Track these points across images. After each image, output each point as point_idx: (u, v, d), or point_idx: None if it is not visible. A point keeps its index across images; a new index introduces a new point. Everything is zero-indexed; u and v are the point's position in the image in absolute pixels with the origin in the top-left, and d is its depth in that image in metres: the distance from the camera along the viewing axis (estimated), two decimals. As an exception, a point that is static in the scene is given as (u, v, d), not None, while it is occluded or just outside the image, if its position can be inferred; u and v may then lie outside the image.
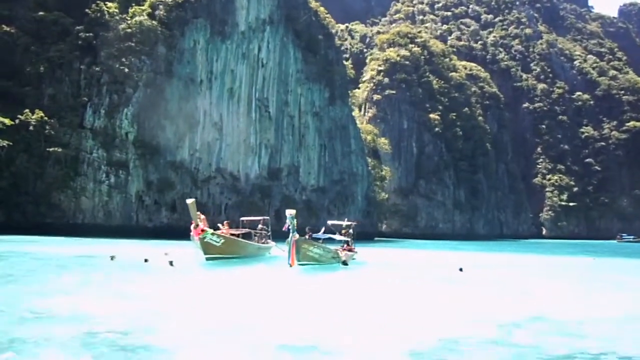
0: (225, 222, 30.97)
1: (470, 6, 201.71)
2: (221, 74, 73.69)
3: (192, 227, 25.00)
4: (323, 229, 29.04)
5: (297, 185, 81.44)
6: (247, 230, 31.57)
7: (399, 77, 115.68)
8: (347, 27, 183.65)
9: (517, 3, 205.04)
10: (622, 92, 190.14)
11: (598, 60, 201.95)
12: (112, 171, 62.55)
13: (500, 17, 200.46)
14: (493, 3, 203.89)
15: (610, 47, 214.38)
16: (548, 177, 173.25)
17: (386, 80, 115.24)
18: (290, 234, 23.20)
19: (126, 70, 64.07)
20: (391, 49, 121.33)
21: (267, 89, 78.76)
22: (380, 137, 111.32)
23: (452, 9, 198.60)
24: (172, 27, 68.49)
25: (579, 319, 13.33)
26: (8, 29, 62.68)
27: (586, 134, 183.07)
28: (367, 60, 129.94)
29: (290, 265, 22.91)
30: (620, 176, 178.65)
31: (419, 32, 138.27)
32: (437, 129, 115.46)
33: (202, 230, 24.46)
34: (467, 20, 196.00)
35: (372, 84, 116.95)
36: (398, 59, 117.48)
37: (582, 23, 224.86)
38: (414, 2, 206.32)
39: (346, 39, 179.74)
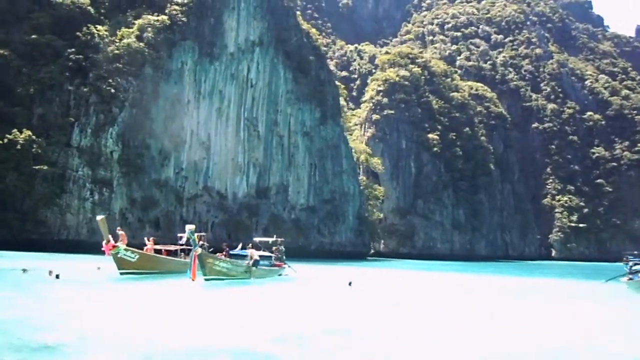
0: (151, 238, 31.74)
1: (480, 26, 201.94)
2: (209, 94, 75.29)
3: (103, 243, 25.84)
4: (240, 245, 29.64)
5: (285, 204, 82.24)
6: (177, 247, 32.23)
7: (398, 97, 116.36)
8: (356, 47, 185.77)
9: (528, 23, 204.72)
10: (635, 112, 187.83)
11: (610, 79, 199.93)
12: (96, 189, 64.09)
13: (510, 37, 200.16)
14: (503, 23, 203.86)
15: (624, 66, 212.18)
16: (558, 197, 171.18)
17: (385, 100, 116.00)
18: (192, 249, 23.95)
19: (113, 90, 65.89)
20: (391, 69, 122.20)
21: (256, 109, 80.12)
22: (379, 157, 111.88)
23: (462, 30, 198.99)
24: (160, 49, 70.29)
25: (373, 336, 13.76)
26: (2, 51, 65.06)
27: (597, 155, 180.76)
28: (369, 81, 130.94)
29: (192, 280, 23.57)
30: (632, 197, 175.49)
31: (420, 52, 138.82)
32: (435, 149, 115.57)
33: (114, 246, 25.31)
34: (477, 40, 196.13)
35: (371, 104, 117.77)
36: (397, 79, 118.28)
37: (595, 43, 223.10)
38: (424, 22, 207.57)
39: (355, 59, 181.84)
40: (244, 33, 79.17)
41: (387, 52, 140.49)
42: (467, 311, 19.93)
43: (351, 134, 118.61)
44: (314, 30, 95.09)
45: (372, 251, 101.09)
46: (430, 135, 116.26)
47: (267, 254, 32.19)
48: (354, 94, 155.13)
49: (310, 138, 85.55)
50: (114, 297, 19.40)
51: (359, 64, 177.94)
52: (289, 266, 33.20)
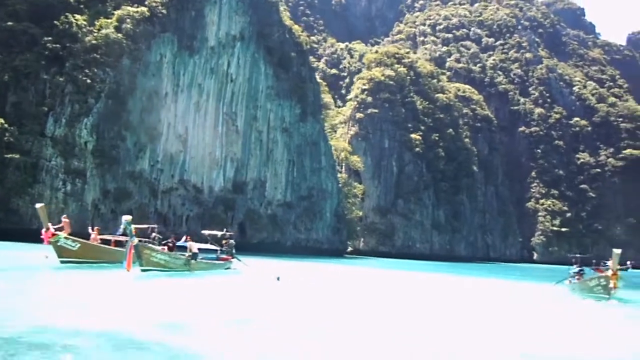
0: (95, 227, 31.79)
1: (472, 29, 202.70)
2: (188, 87, 75.24)
3: (42, 231, 25.90)
4: (185, 237, 29.81)
5: (262, 200, 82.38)
6: (125, 238, 32.23)
7: (383, 96, 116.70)
8: (346, 45, 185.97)
9: (519, 27, 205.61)
10: (620, 119, 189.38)
11: (598, 86, 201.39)
12: (69, 179, 63.95)
13: (501, 40, 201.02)
14: (495, 27, 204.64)
15: (612, 74, 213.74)
16: (541, 201, 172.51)
17: (370, 99, 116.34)
18: (128, 240, 24.12)
19: (89, 81, 65.75)
20: (377, 68, 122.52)
21: (235, 104, 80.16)
22: (361, 155, 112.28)
23: (454, 31, 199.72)
24: (139, 41, 70.15)
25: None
26: (-23, 38, 64.80)
27: (582, 160, 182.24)
28: (355, 79, 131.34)
29: (127, 270, 23.73)
30: (615, 203, 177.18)
31: (407, 52, 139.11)
32: (418, 149, 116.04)
33: (53, 234, 25.39)
34: (468, 42, 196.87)
35: (356, 102, 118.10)
36: (383, 78, 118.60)
37: (585, 49, 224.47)
38: (416, 23, 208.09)
39: (345, 58, 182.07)
40: (225, 27, 79.15)
41: (375, 52, 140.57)
42: (392, 307, 20.17)
43: (336, 132, 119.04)
44: (297, 26, 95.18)
45: (351, 249, 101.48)
46: (413, 136, 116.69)
47: (212, 247, 32.32)
48: (343, 92, 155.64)
49: (289, 134, 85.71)
50: (36, 285, 19.54)
51: (349, 62, 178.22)
52: (239, 260, 33.36)
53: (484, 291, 34.23)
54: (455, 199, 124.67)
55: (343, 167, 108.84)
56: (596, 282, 27.05)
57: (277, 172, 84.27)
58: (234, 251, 33.60)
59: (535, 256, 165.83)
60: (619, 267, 26.48)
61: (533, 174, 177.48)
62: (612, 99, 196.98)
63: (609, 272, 26.00)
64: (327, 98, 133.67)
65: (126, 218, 24.03)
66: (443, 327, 15.98)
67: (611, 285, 25.38)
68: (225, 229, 39.03)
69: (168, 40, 72.97)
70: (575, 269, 32.84)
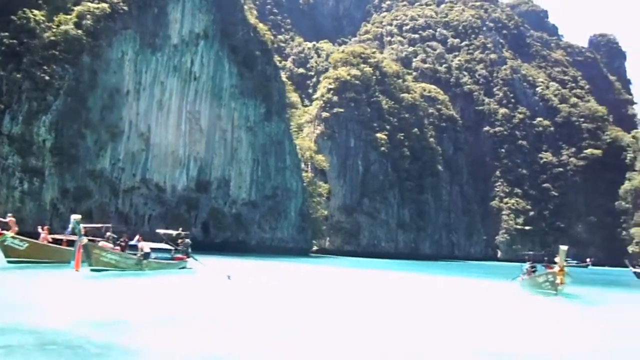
0: (45, 227, 31.30)
1: (438, 30, 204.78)
2: (150, 85, 74.40)
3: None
4: (137, 237, 29.50)
5: (226, 199, 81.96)
6: (76, 237, 31.73)
7: (349, 95, 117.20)
8: (314, 44, 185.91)
9: (484, 29, 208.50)
10: (582, 119, 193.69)
11: (560, 87, 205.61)
12: (26, 178, 62.68)
13: (466, 41, 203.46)
14: (460, 28, 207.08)
15: (574, 75, 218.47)
16: (505, 200, 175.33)
17: (335, 98, 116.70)
18: (77, 239, 23.80)
19: (47, 78, 64.51)
20: (343, 67, 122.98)
21: (199, 102, 79.58)
22: (327, 154, 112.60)
23: (420, 32, 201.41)
24: (99, 37, 69.10)
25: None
26: None
27: (545, 160, 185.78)
28: (321, 79, 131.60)
29: (76, 270, 23.43)
30: (577, 202, 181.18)
31: (373, 52, 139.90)
32: (383, 149, 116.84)
33: (0, 234, 24.91)
34: (434, 43, 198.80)
35: (322, 102, 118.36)
36: (348, 77, 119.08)
37: (548, 51, 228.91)
38: (383, 23, 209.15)
39: (312, 57, 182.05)
40: (189, 25, 78.47)
41: (341, 51, 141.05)
42: (337, 306, 20.31)
43: (303, 131, 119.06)
44: (261, 25, 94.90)
45: (316, 248, 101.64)
46: (378, 135, 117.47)
47: (166, 246, 32.05)
48: (310, 91, 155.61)
49: (254, 133, 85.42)
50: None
51: (316, 62, 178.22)
52: (195, 259, 33.15)
53: (440, 289, 34.71)
54: (420, 198, 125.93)
55: (309, 166, 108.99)
56: (544, 278, 27.72)
57: (241, 171, 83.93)
58: (190, 250, 33.37)
59: (499, 254, 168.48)
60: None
61: (497, 173, 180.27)
62: (574, 100, 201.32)
63: (556, 269, 26.62)
64: (294, 97, 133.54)
65: (75, 217, 23.74)
66: (388, 324, 16.16)
67: (558, 281, 26.02)
68: (180, 228, 38.69)
69: (130, 38, 72.01)
70: (527, 265, 33.56)
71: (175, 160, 76.97)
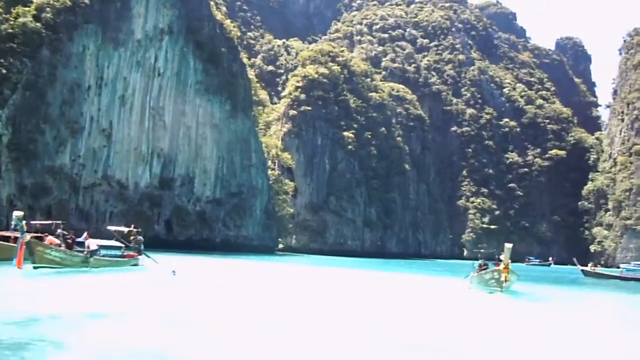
0: None
1: (408, 30, 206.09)
2: (113, 80, 73.27)
3: None
4: (85, 234, 29.07)
5: (190, 196, 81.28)
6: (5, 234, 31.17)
7: (316, 94, 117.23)
8: (284, 42, 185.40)
9: (453, 29, 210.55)
10: (547, 120, 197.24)
11: (527, 89, 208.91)
12: (-19, 173, 61.25)
13: (435, 42, 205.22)
14: (430, 28, 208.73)
15: (540, 77, 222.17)
16: (472, 199, 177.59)
17: (303, 96, 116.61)
18: (20, 236, 23.33)
19: (4, 71, 63.07)
20: (311, 66, 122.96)
21: (163, 98, 78.69)
22: (294, 152, 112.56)
23: (390, 32, 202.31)
24: (60, 31, 67.77)
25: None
26: None
27: (511, 160, 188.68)
28: (289, 77, 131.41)
29: (18, 267, 22.97)
30: (541, 202, 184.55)
31: (342, 51, 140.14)
32: (350, 147, 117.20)
33: None
34: (403, 43, 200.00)
35: (289, 100, 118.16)
36: (316, 76, 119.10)
37: (515, 52, 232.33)
38: (354, 22, 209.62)
39: (282, 55, 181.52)
40: (153, 20, 77.47)
41: (309, 49, 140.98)
42: (274, 303, 20.30)
43: (270, 128, 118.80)
44: (228, 21, 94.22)
45: (282, 246, 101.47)
46: (345, 133, 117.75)
47: (115, 243, 31.62)
48: (280, 89, 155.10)
49: (219, 130, 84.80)
50: None
51: (286, 60, 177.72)
52: (148, 257, 32.79)
53: (391, 286, 34.98)
54: (387, 196, 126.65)
55: (276, 164, 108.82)
56: (491, 275, 28.20)
57: (206, 169, 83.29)
58: (142, 247, 32.98)
59: (465, 252, 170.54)
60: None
61: (464, 172, 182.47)
62: (539, 101, 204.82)
63: (501, 266, 27.08)
64: (262, 95, 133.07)
65: (17, 214, 23.26)
66: (324, 320, 16.20)
67: (502, 278, 26.48)
68: (132, 225, 38.21)
69: (91, 32, 70.78)
70: (479, 263, 34.01)
71: (138, 157, 76.00)
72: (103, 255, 28.54)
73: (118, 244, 31.66)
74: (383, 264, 76.05)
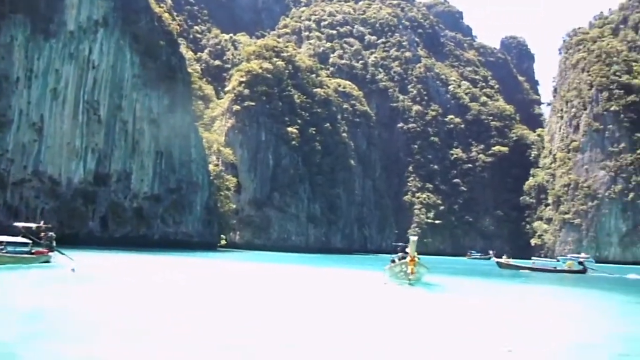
0: None
1: (355, 26, 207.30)
2: (43, 73, 70.97)
3: None
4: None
5: (127, 192, 79.58)
6: None
7: (260, 89, 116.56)
8: (231, 37, 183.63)
9: (400, 27, 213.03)
10: (491, 117, 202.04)
11: (472, 86, 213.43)
12: None
13: (383, 39, 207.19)
14: (377, 25, 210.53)
15: (485, 75, 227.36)
16: (417, 195, 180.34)
17: (247, 91, 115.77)
18: None
19: None
20: (255, 61, 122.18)
21: (97, 92, 76.67)
22: (238, 148, 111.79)
23: (338, 28, 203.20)
24: (-15, 21, 65.33)
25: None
26: None
27: (455, 156, 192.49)
28: (233, 72, 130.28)
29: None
30: (485, 197, 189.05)
31: (286, 46, 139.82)
32: (294, 143, 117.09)
33: None
34: (351, 39, 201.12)
35: (233, 95, 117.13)
36: (260, 71, 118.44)
37: (461, 50, 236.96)
38: (302, 18, 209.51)
39: (229, 49, 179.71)
40: (87, 12, 75.32)
41: (253, 44, 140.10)
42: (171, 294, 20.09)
43: (214, 124, 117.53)
44: (167, 14, 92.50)
45: (224, 242, 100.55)
46: (289, 129, 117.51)
47: (22, 239, 30.60)
48: (227, 84, 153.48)
49: (157, 125, 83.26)
50: None
51: (232, 54, 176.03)
52: (61, 253, 31.89)
53: (312, 280, 35.18)
54: (332, 192, 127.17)
55: (220, 159, 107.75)
56: (399, 268, 28.75)
57: (143, 164, 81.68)
58: (54, 244, 32.03)
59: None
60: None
61: (410, 168, 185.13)
62: (484, 99, 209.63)
63: (407, 259, 27.61)
64: (208, 90, 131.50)
65: None
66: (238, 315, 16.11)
67: (409, 270, 27.04)
68: (42, 221, 37.11)
69: (20, 22, 68.35)
70: (398, 255, 34.41)
71: (71, 152, 73.85)
72: (6, 252, 27.57)
73: (25, 240, 30.62)
74: (319, 259, 76.45)
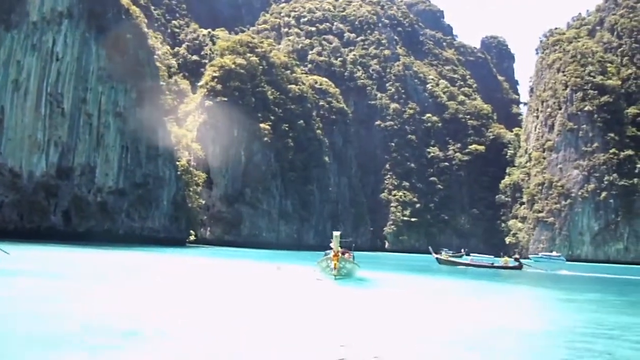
0: None
1: (335, 23, 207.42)
2: (5, 64, 69.89)
3: None
4: None
5: (91, 186, 78.73)
6: None
7: (233, 84, 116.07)
8: (209, 32, 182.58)
9: (380, 25, 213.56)
10: (468, 116, 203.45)
11: (450, 85, 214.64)
12: None
13: (362, 36, 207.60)
14: (357, 23, 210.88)
15: (463, 74, 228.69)
16: (394, 192, 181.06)
17: (219, 87, 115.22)
18: None
19: None
20: (229, 56, 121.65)
21: (61, 84, 75.66)
22: (210, 143, 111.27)
23: (317, 25, 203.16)
24: (-57, 10, 64.22)
25: None
26: None
27: (432, 154, 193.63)
28: (207, 67, 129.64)
29: None
30: (461, 195, 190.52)
31: (261, 42, 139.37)
32: (266, 139, 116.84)
33: None
34: (330, 36, 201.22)
35: (206, 90, 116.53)
36: (233, 66, 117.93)
37: (440, 49, 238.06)
38: (282, 14, 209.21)
39: (207, 44, 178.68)
40: (50, 3, 74.17)
41: (227, 39, 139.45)
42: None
43: (187, 119, 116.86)
44: (135, 7, 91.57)
45: (193, 238, 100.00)
46: (262, 125, 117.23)
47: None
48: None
49: (123, 119, 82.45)
50: None
51: (211, 50, 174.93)
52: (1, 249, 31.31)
53: (253, 275, 35.08)
54: (305, 189, 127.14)
55: (192, 155, 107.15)
56: (326, 263, 29.01)
57: (108, 158, 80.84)
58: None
59: (387, 245, 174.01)
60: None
61: (387, 166, 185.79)
62: (461, 98, 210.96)
63: (331, 254, 27.86)
64: (184, 84, 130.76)
65: None
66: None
67: (332, 265, 27.33)
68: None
69: (-22, 12, 67.33)
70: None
71: (33, 145, 72.83)
72: None
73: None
74: (278, 255, 76.57)
